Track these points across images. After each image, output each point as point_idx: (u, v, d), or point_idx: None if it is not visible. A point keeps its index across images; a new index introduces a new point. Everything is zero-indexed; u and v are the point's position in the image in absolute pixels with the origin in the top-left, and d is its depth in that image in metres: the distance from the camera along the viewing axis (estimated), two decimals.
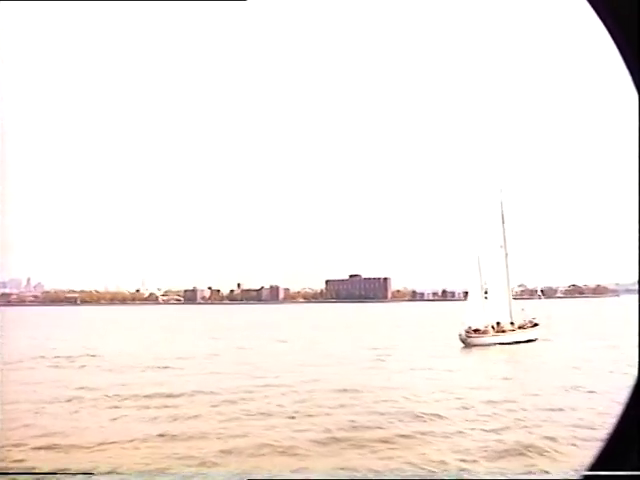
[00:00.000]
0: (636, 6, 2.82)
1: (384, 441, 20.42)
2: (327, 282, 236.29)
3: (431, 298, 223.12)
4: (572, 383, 31.87)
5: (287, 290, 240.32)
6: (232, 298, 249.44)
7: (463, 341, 54.57)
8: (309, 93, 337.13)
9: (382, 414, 24.69)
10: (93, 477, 17.41)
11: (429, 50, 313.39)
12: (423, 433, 21.50)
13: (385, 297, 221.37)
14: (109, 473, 17.07)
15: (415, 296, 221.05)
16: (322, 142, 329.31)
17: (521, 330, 57.32)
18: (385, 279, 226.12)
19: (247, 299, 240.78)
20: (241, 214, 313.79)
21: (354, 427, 22.39)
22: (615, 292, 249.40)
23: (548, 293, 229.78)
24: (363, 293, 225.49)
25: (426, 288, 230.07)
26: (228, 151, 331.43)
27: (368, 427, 22.38)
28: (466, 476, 17.29)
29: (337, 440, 20.53)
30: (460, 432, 21.57)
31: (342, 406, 26.71)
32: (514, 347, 53.41)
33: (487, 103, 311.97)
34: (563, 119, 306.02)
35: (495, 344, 54.06)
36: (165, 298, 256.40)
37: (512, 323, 57.60)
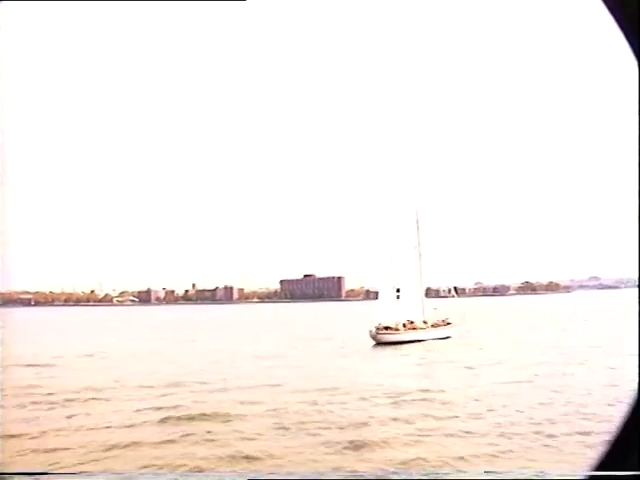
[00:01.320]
0: None
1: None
2: (281, 282, 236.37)
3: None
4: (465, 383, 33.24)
5: (242, 290, 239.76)
6: (187, 298, 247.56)
7: (373, 338, 55.20)
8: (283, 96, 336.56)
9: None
10: (92, 477, 17.54)
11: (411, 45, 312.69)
12: None
13: (339, 296, 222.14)
14: (109, 473, 17.06)
15: (369, 295, 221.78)
16: (278, 141, 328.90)
17: (434, 328, 58.06)
18: (339, 278, 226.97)
19: (202, 299, 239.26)
20: (195, 214, 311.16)
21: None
22: (568, 288, 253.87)
23: (500, 290, 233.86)
24: (317, 292, 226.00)
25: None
26: (189, 149, 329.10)
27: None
28: (466, 476, 17.52)
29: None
30: None
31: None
32: (426, 344, 54.21)
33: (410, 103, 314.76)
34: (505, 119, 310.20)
35: (406, 341, 54.71)
36: (120, 299, 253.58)
37: (425, 322, 58.37)
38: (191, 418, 24.65)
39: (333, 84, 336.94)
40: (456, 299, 62.83)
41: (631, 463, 2.95)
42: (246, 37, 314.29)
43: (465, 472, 17.08)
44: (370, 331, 55.67)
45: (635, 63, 2.91)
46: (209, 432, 22.31)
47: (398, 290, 58.37)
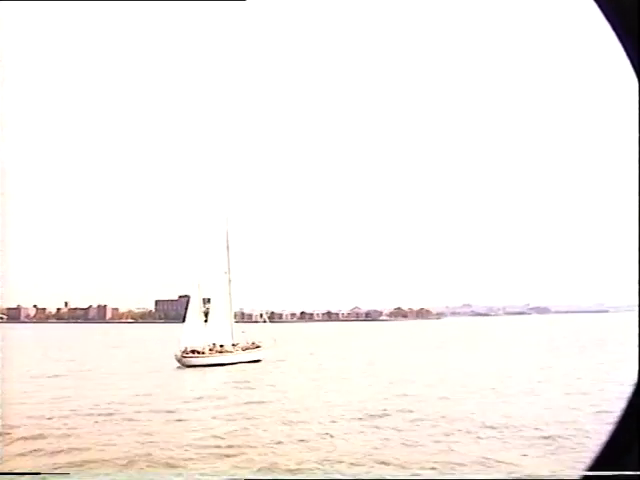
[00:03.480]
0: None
1: None
2: (157, 302, 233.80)
3: (289, 319, 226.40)
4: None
5: (116, 310, 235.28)
6: (59, 317, 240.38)
7: (179, 361, 56.33)
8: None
9: None
10: (92, 477, 17.65)
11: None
12: None
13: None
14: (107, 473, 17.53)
15: (245, 317, 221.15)
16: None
17: (244, 351, 60.00)
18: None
19: (74, 318, 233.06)
20: (71, 231, 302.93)
21: None
22: (439, 315, 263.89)
23: (372, 315, 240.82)
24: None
25: (284, 309, 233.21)
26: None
27: None
28: (466, 476, 18.70)
29: None
30: None
31: None
32: (236, 367, 56.07)
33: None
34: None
35: (213, 364, 56.25)
36: None
37: (234, 345, 60.24)
38: None
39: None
40: (268, 324, 65.32)
41: (627, 463, 2.96)
42: (245, 37, 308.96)
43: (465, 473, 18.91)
44: (175, 355, 56.80)
45: (632, 70, 2.93)
46: None
47: (206, 314, 60.08)
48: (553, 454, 20.73)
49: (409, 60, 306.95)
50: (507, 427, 25.32)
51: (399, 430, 25.26)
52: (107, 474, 18.38)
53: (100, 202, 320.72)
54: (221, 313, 60.52)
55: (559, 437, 23.02)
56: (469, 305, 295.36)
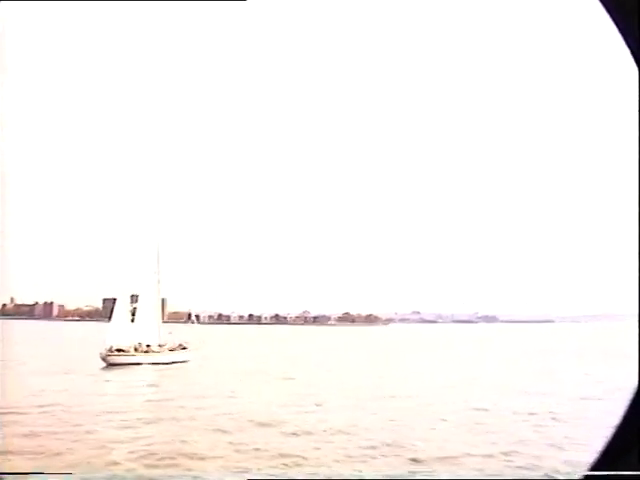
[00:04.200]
0: None
1: None
2: (104, 300, 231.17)
3: (237, 321, 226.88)
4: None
5: (62, 307, 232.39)
6: (4, 313, 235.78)
7: (103, 359, 57.07)
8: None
9: None
10: (92, 477, 18.01)
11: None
12: None
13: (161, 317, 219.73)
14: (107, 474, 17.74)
15: (189, 318, 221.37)
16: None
17: (170, 352, 61.11)
18: (162, 300, 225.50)
19: (19, 314, 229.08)
20: (19, 226, 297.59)
21: None
22: (387, 321, 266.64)
23: (321, 320, 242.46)
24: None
25: (233, 311, 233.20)
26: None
27: None
28: (466, 477, 19.04)
29: None
30: None
31: None
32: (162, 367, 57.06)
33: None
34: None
35: (139, 364, 57.16)
36: None
37: (161, 345, 61.30)
38: None
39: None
40: (196, 325, 66.75)
41: (628, 463, 3.00)
42: (245, 37, 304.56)
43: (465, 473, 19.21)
44: (100, 353, 57.44)
45: (634, 65, 2.91)
46: None
47: (134, 313, 61.04)
48: None
49: (409, 60, 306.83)
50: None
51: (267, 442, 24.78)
52: (107, 474, 18.85)
53: (49, 197, 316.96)
54: (148, 313, 61.56)
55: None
56: (418, 312, 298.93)
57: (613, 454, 3.07)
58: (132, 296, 63.00)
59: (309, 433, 26.52)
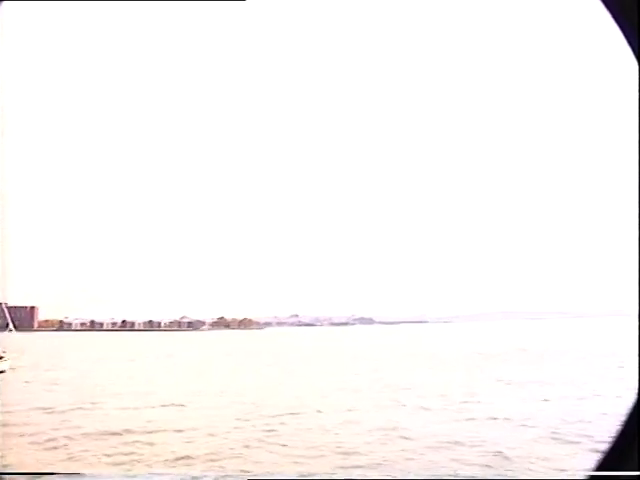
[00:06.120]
0: None
1: None
2: None
3: (110, 328, 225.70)
4: None
5: None
6: None
7: None
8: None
9: None
10: (92, 477, 18.17)
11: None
12: None
13: (31, 326, 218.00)
14: (106, 474, 18.09)
15: (62, 326, 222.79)
16: None
17: None
18: (32, 308, 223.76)
19: None
20: None
21: None
22: (263, 325, 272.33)
23: (195, 325, 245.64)
24: (7, 322, 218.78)
25: (105, 318, 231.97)
26: None
27: None
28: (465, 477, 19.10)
29: None
30: None
31: None
32: None
33: None
34: None
35: None
36: None
37: None
38: None
39: None
40: (15, 333, 69.90)
41: (632, 463, 2.97)
42: (244, 37, 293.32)
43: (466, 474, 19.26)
44: None
45: (635, 62, 2.89)
46: None
47: None
48: None
49: (409, 59, 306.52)
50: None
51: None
52: (107, 474, 18.83)
53: None
54: None
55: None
56: (296, 315, 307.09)
57: (618, 455, 3.05)
58: None
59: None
